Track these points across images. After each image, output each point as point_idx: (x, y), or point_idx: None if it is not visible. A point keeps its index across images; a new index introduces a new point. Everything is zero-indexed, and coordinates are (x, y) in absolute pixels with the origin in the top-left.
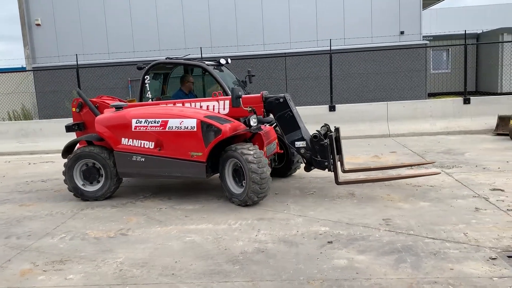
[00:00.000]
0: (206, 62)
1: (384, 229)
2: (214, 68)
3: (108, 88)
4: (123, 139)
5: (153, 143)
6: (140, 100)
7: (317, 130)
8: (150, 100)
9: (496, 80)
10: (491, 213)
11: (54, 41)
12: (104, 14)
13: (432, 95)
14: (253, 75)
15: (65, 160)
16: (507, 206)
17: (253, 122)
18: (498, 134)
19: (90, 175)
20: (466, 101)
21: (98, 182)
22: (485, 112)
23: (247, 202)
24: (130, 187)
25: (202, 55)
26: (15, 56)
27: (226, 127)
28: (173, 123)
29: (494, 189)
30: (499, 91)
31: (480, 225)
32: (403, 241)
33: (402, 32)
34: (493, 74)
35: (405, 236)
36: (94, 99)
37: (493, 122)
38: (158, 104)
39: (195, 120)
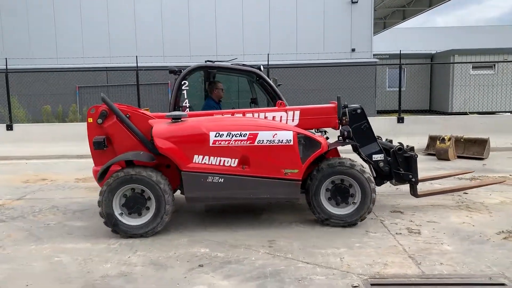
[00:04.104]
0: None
1: (264, 252)
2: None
3: (52, 94)
4: (196, 156)
5: (236, 160)
6: (174, 109)
7: (398, 143)
8: (188, 110)
9: (447, 100)
10: (379, 236)
11: None
12: (54, 16)
13: (385, 112)
14: (279, 84)
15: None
16: (398, 229)
17: (348, 134)
18: (429, 154)
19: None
20: (400, 120)
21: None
22: (418, 131)
23: (356, 223)
24: (32, 200)
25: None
26: None
27: (323, 141)
28: (265, 136)
29: (394, 211)
30: (449, 111)
31: (362, 249)
32: (276, 265)
33: (353, 50)
34: (445, 94)
35: (280, 259)
36: (124, 107)
37: (425, 141)
38: (211, 114)
39: (291, 132)
